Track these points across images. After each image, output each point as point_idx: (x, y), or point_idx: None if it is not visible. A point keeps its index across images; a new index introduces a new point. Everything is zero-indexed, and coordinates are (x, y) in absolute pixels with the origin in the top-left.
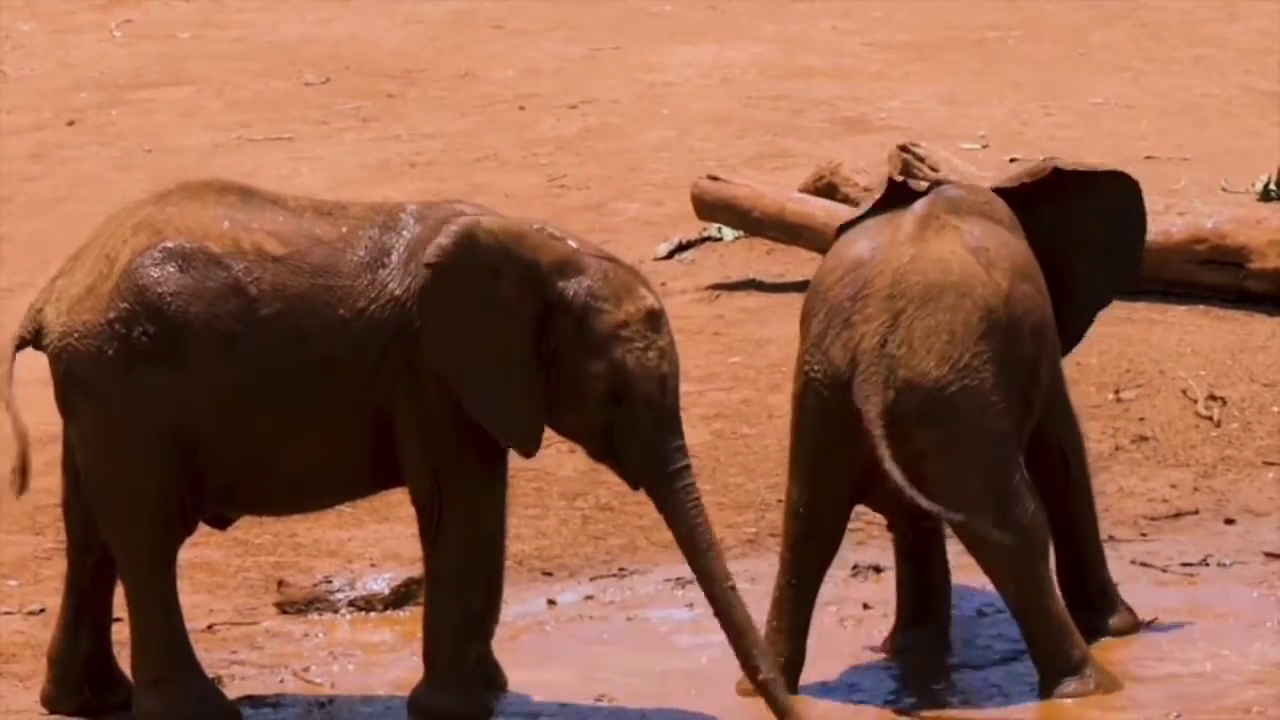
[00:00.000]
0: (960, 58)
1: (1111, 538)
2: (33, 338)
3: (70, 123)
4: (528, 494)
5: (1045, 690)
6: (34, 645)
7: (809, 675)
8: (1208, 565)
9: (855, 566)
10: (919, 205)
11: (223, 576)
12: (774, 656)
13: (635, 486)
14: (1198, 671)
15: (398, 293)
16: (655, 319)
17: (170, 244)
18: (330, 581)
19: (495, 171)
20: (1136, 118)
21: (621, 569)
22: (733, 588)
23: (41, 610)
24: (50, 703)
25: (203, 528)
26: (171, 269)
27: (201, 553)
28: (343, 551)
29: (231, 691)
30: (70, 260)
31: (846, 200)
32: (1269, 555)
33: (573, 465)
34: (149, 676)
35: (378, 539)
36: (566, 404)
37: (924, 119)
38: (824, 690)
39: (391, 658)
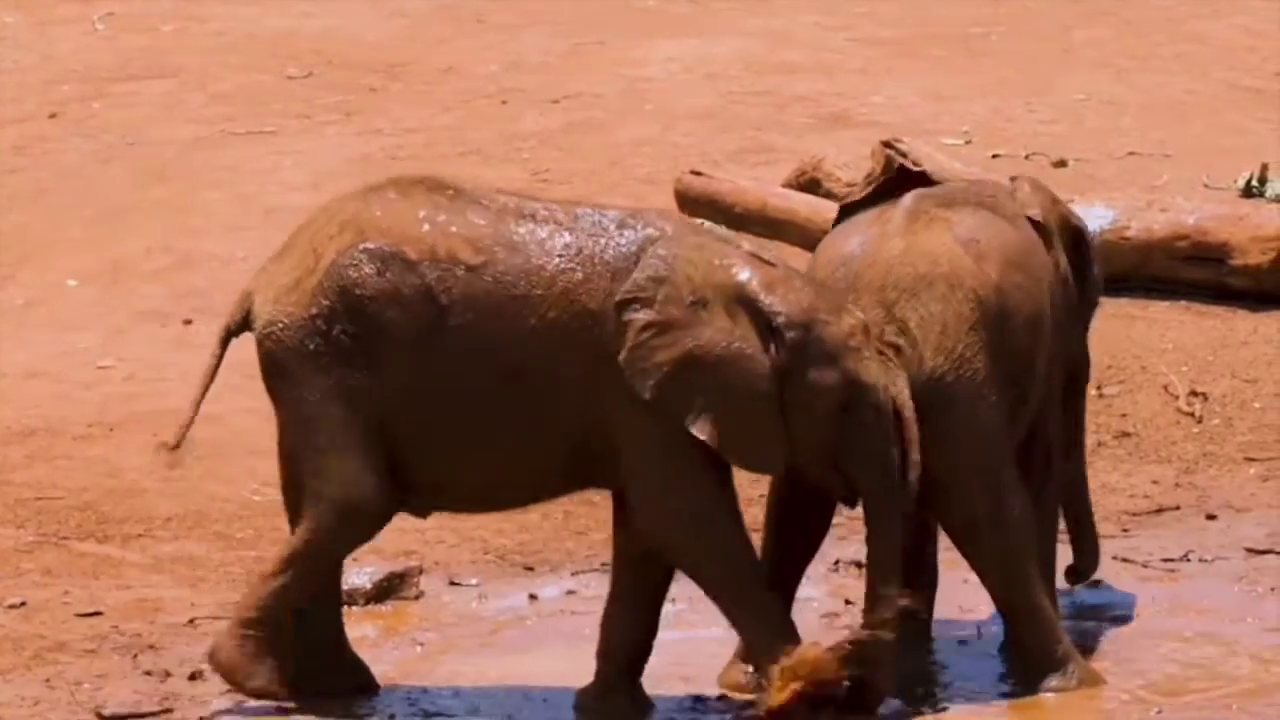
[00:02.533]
0: (943, 53)
1: None
2: (241, 323)
3: (52, 115)
4: None
5: (1028, 686)
6: (14, 639)
7: None
8: (1189, 561)
9: (837, 561)
10: (907, 199)
11: (205, 570)
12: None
13: (853, 504)
14: (1179, 667)
15: (592, 307)
16: (868, 331)
17: (370, 245)
18: None
19: (478, 166)
20: (1119, 114)
21: (604, 564)
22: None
23: (22, 603)
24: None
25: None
26: (370, 271)
27: (183, 546)
28: None
29: (212, 686)
30: (282, 247)
31: (829, 196)
32: (1250, 551)
33: None
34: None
35: None
36: (794, 420)
37: (907, 114)
38: None
39: (374, 652)
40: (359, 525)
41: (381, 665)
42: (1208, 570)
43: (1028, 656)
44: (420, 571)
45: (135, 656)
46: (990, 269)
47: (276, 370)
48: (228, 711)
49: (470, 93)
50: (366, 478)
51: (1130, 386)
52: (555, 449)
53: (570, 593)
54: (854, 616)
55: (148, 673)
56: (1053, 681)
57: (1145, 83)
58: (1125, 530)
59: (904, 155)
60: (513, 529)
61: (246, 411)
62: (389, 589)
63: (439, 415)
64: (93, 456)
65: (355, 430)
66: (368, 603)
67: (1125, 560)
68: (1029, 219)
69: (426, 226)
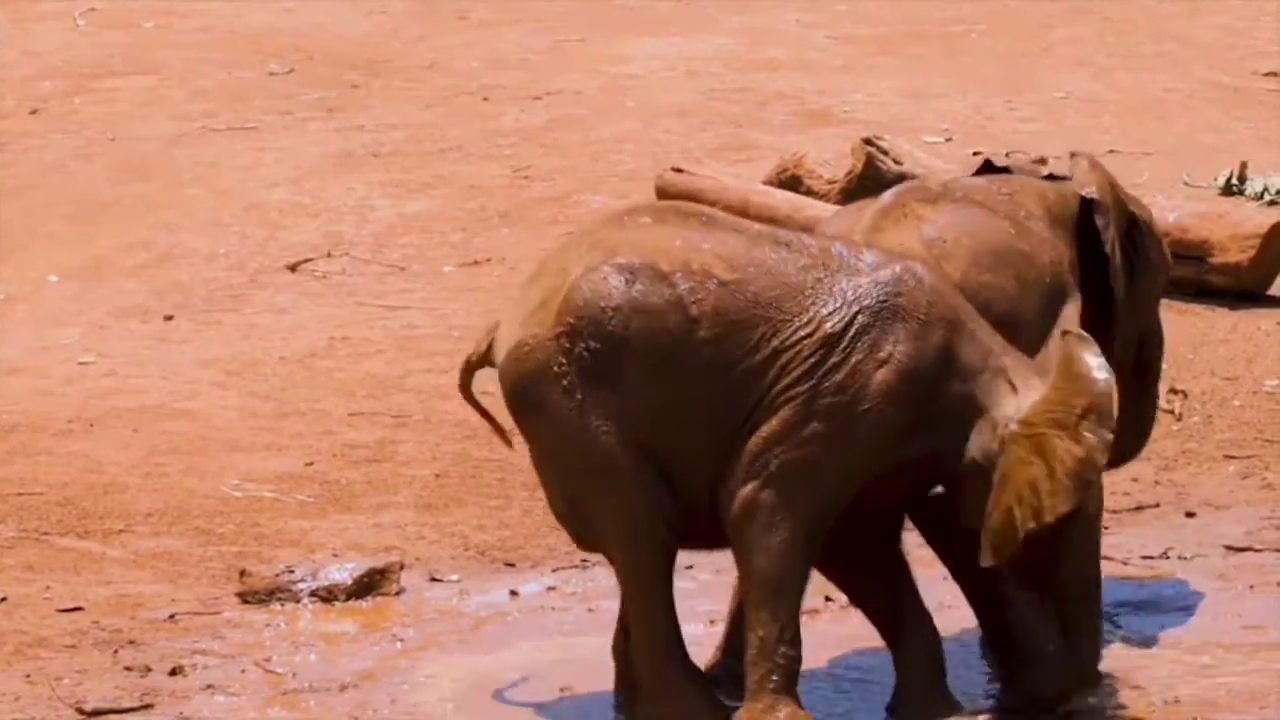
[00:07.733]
0: (924, 51)
1: None
2: (485, 354)
3: (33, 111)
4: (490, 485)
5: (1009, 680)
6: None
7: None
8: (1168, 558)
9: None
10: (887, 195)
11: (185, 566)
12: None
13: None
14: (1159, 664)
15: (830, 331)
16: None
17: (621, 260)
18: (292, 571)
19: (459, 162)
20: (1099, 112)
21: (584, 560)
22: None
23: (3, 599)
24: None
25: None
26: (617, 284)
27: (164, 542)
28: (305, 541)
29: (193, 681)
30: (533, 272)
31: (810, 193)
32: (1229, 548)
33: None
34: (643, 689)
35: (340, 529)
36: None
37: (888, 112)
38: None
39: (353, 648)
40: (659, 545)
41: (362, 661)
42: (1187, 567)
43: (1005, 651)
44: (401, 567)
45: (116, 652)
46: (953, 269)
47: (523, 399)
48: (208, 707)
49: (452, 89)
50: (646, 502)
51: None
52: None
53: (551, 589)
54: (834, 613)
55: (128, 668)
56: (1034, 676)
57: (1125, 81)
58: (1105, 527)
59: (885, 153)
60: (494, 525)
61: (227, 408)
62: (370, 585)
63: (680, 437)
64: (74, 452)
65: (619, 455)
66: (348, 598)
67: (1105, 558)
68: (1083, 197)
69: (679, 242)
